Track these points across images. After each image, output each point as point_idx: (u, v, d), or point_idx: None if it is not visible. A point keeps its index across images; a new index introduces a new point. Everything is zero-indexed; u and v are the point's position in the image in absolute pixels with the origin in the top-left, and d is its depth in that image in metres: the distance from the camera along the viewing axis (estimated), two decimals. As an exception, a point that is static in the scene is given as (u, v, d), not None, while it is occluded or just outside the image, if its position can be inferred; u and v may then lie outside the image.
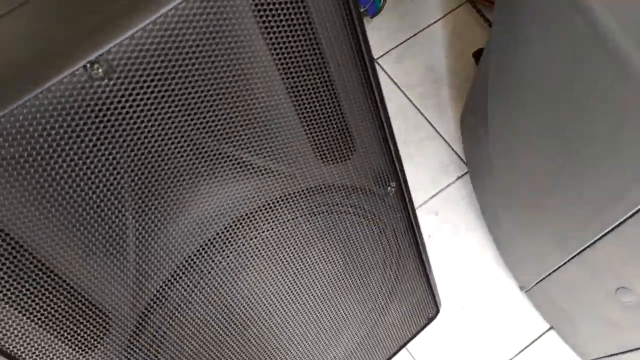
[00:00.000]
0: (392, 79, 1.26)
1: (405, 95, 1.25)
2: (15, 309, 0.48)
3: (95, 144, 0.42)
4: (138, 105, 0.42)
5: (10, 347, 0.49)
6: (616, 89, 0.57)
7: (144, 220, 0.51)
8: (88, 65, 0.38)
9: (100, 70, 0.38)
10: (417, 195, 1.17)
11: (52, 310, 0.49)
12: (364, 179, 0.66)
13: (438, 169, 1.18)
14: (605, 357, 0.93)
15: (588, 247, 0.76)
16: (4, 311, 0.47)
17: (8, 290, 0.45)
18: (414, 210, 0.78)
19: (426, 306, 0.93)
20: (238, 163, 0.55)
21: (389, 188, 0.68)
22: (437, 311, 0.95)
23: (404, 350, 1.05)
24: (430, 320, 0.96)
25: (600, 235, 0.72)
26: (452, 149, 1.20)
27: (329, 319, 0.78)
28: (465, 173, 1.18)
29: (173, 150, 0.47)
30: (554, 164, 0.75)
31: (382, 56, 1.29)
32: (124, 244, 0.50)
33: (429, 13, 1.32)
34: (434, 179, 1.18)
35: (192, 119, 0.47)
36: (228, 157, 0.53)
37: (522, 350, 1.05)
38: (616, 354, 0.89)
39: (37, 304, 0.48)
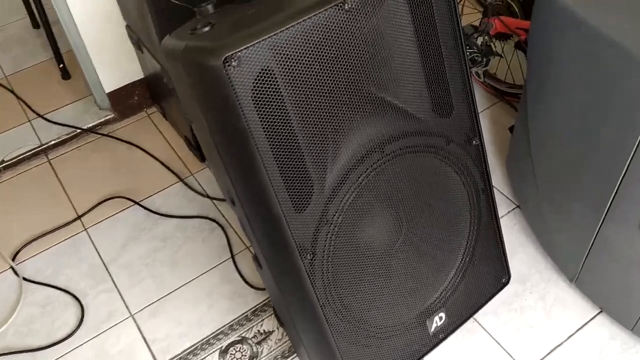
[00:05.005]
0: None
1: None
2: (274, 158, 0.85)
3: (336, 54, 0.84)
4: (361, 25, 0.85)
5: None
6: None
7: (339, 125, 0.90)
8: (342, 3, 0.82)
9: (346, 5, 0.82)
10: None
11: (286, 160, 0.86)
12: (457, 133, 1.05)
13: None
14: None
15: (614, 194, 1.10)
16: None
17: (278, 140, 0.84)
18: (489, 175, 1.14)
19: (500, 270, 1.23)
20: (387, 104, 0.95)
21: (474, 142, 1.07)
22: (509, 277, 1.25)
23: (472, 321, 1.31)
24: (503, 285, 1.25)
25: (620, 178, 1.07)
26: (502, 193, 1.58)
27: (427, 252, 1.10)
28: (513, 209, 1.54)
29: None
30: (578, 143, 1.14)
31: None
32: (330, 136, 0.89)
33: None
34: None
35: (364, 65, 0.89)
36: (382, 100, 0.94)
37: (573, 334, 1.30)
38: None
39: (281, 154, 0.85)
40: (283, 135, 0.85)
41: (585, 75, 1.09)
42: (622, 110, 1.03)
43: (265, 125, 0.82)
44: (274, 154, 0.85)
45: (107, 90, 1.81)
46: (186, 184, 1.68)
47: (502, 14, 1.57)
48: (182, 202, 1.64)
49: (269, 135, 0.83)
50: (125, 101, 1.85)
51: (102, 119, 1.85)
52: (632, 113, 1.01)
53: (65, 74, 2.00)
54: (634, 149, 1.03)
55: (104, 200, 1.65)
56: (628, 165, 1.06)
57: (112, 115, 1.86)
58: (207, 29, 0.83)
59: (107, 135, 1.83)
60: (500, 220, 1.52)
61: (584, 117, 1.13)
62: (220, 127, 0.83)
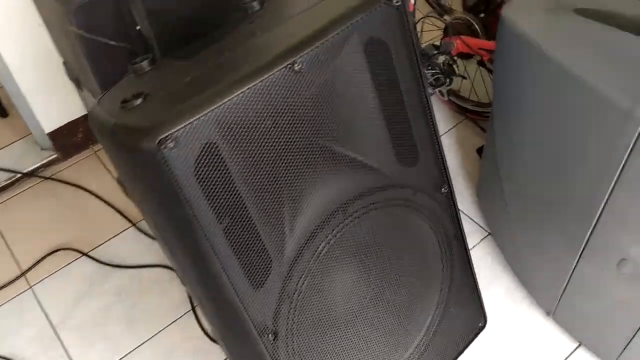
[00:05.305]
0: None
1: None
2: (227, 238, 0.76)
3: (289, 116, 0.75)
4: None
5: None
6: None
7: (294, 191, 0.81)
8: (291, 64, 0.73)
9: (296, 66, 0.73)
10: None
11: (241, 240, 0.77)
12: (424, 182, 0.97)
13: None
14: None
15: (591, 233, 1.05)
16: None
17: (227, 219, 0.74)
18: (460, 221, 1.07)
19: (476, 315, 1.17)
20: (347, 159, 0.87)
21: (443, 189, 0.99)
22: (486, 321, 1.18)
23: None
24: (480, 329, 1.18)
25: (597, 216, 1.01)
26: (473, 220, 1.52)
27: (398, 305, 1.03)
28: (486, 236, 1.48)
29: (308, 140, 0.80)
30: (550, 180, 1.08)
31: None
32: (282, 208, 0.80)
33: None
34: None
35: (323, 119, 0.81)
36: (341, 155, 0.86)
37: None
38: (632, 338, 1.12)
39: (235, 233, 0.76)
40: (233, 213, 0.75)
41: (553, 111, 1.03)
42: (596, 149, 0.97)
43: (213, 205, 0.73)
44: (225, 235, 0.75)
45: (48, 130, 1.68)
46: (139, 229, 1.56)
47: (463, 34, 1.50)
48: (136, 249, 1.52)
49: (218, 215, 0.74)
50: (68, 139, 1.72)
51: (45, 160, 1.71)
52: (607, 152, 0.95)
53: (2, 112, 1.85)
54: (609, 190, 0.98)
55: (50, 253, 1.52)
56: (604, 205, 1.00)
57: (55, 155, 1.73)
58: (139, 101, 0.72)
59: (50, 179, 1.70)
60: (473, 249, 1.46)
61: (554, 154, 1.06)
62: (161, 213, 0.73)
